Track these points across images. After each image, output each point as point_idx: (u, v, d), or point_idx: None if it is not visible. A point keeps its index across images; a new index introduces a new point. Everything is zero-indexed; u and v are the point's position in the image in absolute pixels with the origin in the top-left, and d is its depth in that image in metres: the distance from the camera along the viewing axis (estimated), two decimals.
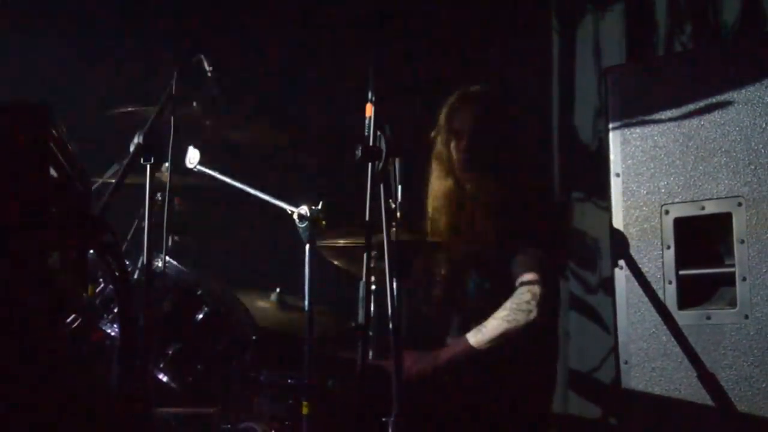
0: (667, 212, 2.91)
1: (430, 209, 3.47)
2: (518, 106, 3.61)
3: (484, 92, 3.50)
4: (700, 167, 2.86)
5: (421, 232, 3.42)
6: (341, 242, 3.19)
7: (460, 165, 3.41)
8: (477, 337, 3.21)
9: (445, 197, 3.44)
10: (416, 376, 3.15)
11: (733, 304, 2.77)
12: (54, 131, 1.84)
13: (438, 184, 3.47)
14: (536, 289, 3.17)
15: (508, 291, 3.23)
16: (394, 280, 2.58)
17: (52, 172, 1.85)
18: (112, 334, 2.93)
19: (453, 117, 3.45)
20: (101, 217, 2.46)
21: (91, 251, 2.24)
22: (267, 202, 2.95)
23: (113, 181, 2.87)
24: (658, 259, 2.90)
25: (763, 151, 2.75)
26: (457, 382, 3.28)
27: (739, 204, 2.77)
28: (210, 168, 3.13)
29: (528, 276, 3.21)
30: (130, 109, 3.39)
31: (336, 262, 3.36)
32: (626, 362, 2.94)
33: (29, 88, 3.97)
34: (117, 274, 2.08)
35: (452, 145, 3.43)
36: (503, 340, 3.18)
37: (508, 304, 3.20)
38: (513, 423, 3.27)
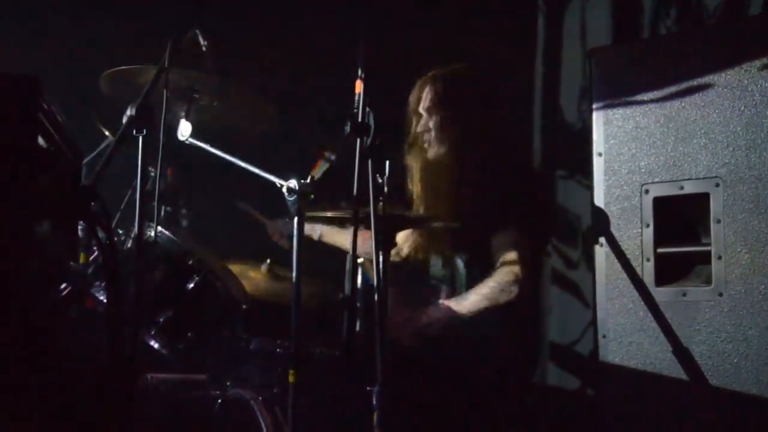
0: (647, 191, 2.96)
1: (411, 188, 3.53)
2: (500, 85, 3.64)
3: (450, 72, 3.54)
4: (680, 148, 2.91)
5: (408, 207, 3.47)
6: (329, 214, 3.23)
7: (427, 145, 3.49)
8: (458, 307, 3.30)
9: (422, 176, 3.50)
10: (399, 336, 3.23)
11: (708, 281, 2.83)
12: (43, 102, 1.85)
13: (414, 164, 3.53)
14: (518, 269, 3.22)
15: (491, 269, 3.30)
16: (380, 253, 2.65)
17: (41, 142, 1.86)
18: (105, 301, 2.97)
19: (419, 98, 3.52)
20: (90, 186, 2.47)
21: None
22: (257, 175, 2.99)
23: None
24: (637, 236, 2.96)
25: (741, 133, 2.80)
26: (441, 353, 3.36)
27: (717, 185, 2.83)
28: (201, 140, 3.17)
29: (509, 256, 3.26)
30: (121, 68, 3.39)
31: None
32: (604, 336, 3.00)
33: (20, 54, 3.98)
34: (105, 243, 2.10)
35: (421, 125, 3.50)
36: (481, 315, 3.28)
37: (491, 283, 3.26)
38: (495, 394, 3.33)
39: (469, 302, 3.29)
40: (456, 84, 3.51)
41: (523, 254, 3.24)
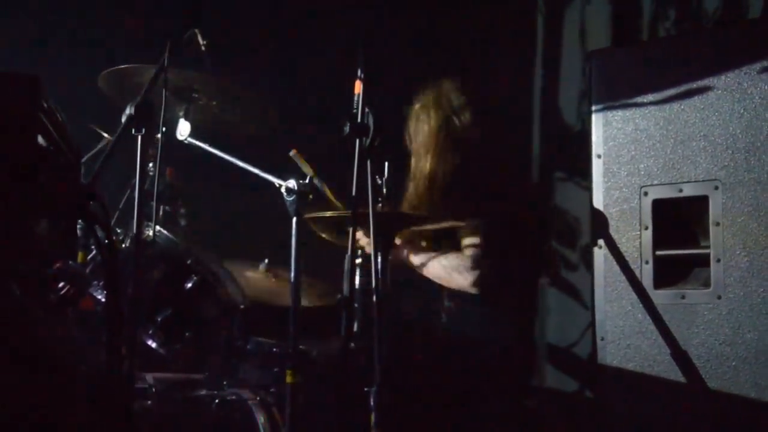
0: (646, 194, 2.97)
1: (408, 191, 3.55)
2: (496, 91, 3.67)
3: (438, 84, 3.57)
4: (679, 150, 2.92)
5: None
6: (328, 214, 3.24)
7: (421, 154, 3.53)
8: (416, 260, 3.41)
9: (419, 179, 3.52)
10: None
11: (706, 284, 2.84)
12: (43, 102, 1.85)
13: (413, 167, 3.56)
14: (478, 253, 3.26)
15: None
16: (379, 253, 2.65)
17: (41, 141, 1.86)
18: (103, 300, 2.96)
19: (419, 107, 3.55)
20: (89, 185, 2.47)
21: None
22: (256, 175, 2.99)
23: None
24: (636, 239, 2.97)
25: (740, 136, 2.81)
26: (438, 355, 3.36)
27: (716, 187, 2.83)
28: (200, 140, 3.17)
29: (470, 240, 3.30)
30: (120, 67, 3.39)
31: (324, 235, 3.42)
32: (603, 338, 3.01)
33: (18, 55, 3.98)
34: (104, 242, 2.10)
35: (420, 132, 3.54)
36: (435, 280, 3.39)
37: (453, 258, 3.34)
38: (493, 396, 3.34)
39: (428, 266, 3.37)
40: (444, 94, 3.53)
41: (484, 239, 3.27)
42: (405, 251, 3.44)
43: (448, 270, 3.32)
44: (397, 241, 3.43)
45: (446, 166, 3.47)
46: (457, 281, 3.30)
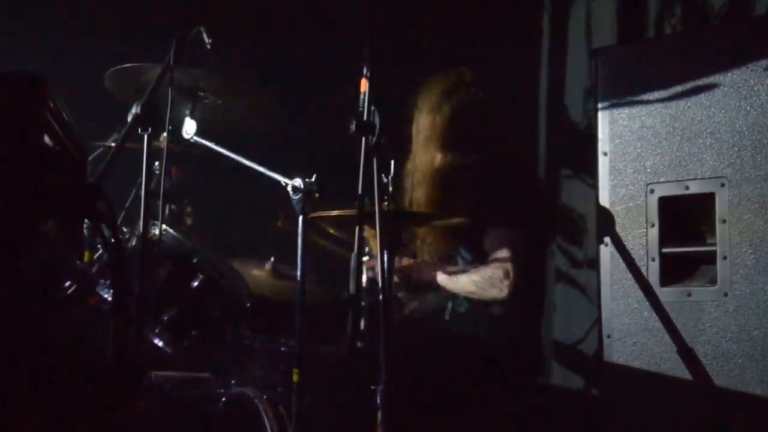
0: (652, 191, 2.96)
1: (411, 185, 3.55)
2: (502, 86, 3.66)
3: (460, 75, 3.57)
4: (686, 148, 2.91)
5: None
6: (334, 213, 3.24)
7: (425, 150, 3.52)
8: (447, 282, 3.39)
9: (426, 173, 3.51)
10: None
11: (713, 281, 2.83)
12: (50, 101, 1.85)
13: (419, 161, 3.54)
14: (509, 267, 3.27)
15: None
16: (386, 251, 2.65)
17: (47, 140, 1.85)
18: (109, 299, 2.97)
19: (428, 98, 3.54)
20: (96, 184, 2.47)
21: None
22: (262, 174, 2.99)
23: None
24: (642, 236, 2.96)
25: (747, 133, 2.79)
26: (445, 354, 3.36)
27: (722, 185, 2.82)
28: (206, 139, 3.17)
29: (500, 253, 3.31)
30: (125, 65, 3.39)
31: (330, 231, 3.42)
32: (609, 336, 3.00)
33: (24, 53, 3.98)
34: (111, 242, 2.10)
35: (427, 125, 3.52)
36: (465, 295, 3.39)
37: (483, 272, 3.31)
38: (499, 393, 3.34)
39: (458, 283, 3.35)
40: (451, 89, 3.53)
41: (513, 252, 3.28)
42: (429, 271, 3.43)
43: (482, 285, 3.33)
44: (405, 262, 3.44)
45: (453, 163, 3.47)
46: (491, 294, 3.32)
